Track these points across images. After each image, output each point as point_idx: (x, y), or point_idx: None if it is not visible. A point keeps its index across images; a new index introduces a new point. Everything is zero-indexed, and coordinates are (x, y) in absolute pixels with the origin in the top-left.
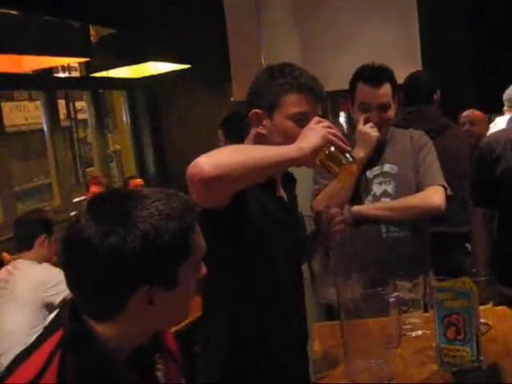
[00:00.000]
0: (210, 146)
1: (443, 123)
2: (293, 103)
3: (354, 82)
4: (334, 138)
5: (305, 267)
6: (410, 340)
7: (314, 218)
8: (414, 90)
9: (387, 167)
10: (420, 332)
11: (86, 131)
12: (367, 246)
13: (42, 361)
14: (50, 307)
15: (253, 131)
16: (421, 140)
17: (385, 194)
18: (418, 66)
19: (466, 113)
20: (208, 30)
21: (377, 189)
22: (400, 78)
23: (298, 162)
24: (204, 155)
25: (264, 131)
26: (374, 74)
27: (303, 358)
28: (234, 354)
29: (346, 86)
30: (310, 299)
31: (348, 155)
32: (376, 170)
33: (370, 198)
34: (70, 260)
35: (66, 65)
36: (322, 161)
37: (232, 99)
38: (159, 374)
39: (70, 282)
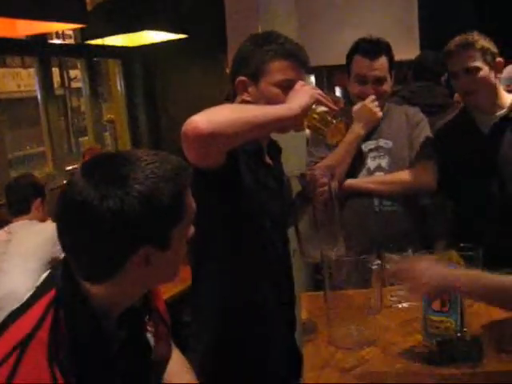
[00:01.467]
0: None
1: (448, 101)
2: (278, 70)
3: (350, 55)
4: (321, 97)
5: (291, 231)
6: (397, 312)
7: (300, 179)
8: (423, 67)
9: (382, 142)
10: (406, 304)
11: (80, 100)
12: (359, 220)
13: (35, 319)
14: (55, 263)
15: (238, 99)
16: (416, 117)
17: (379, 168)
18: (416, 45)
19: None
20: (206, 1)
21: (371, 163)
22: (399, 52)
23: (289, 120)
24: (199, 113)
25: (249, 98)
26: (370, 47)
27: (292, 323)
28: (224, 322)
29: (343, 61)
30: (297, 269)
31: (335, 115)
32: (371, 144)
33: (364, 172)
34: (68, 223)
35: (60, 32)
36: (311, 122)
37: (228, 70)
38: (149, 335)
39: (67, 244)
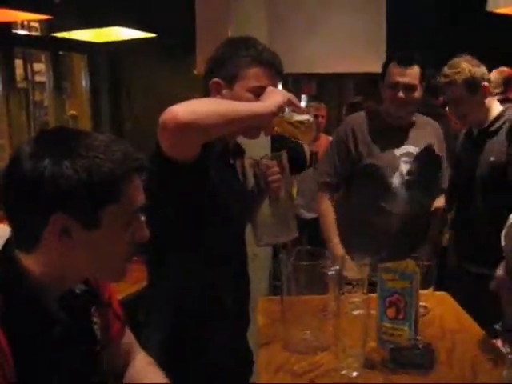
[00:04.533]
0: None
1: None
2: (254, 76)
3: (386, 64)
4: (292, 99)
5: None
6: (354, 318)
7: (253, 168)
8: None
9: (411, 148)
10: (362, 311)
11: (43, 94)
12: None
13: None
14: None
15: None
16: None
17: (409, 172)
18: (383, 52)
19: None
20: (176, 1)
21: (403, 167)
22: (364, 64)
23: (264, 117)
24: (178, 104)
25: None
26: (405, 56)
27: (245, 324)
28: (177, 322)
29: (312, 70)
30: (257, 273)
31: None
32: (403, 149)
33: (397, 174)
34: (3, 185)
35: (26, 22)
36: (282, 126)
37: (195, 72)
38: (95, 326)
39: (4, 207)
